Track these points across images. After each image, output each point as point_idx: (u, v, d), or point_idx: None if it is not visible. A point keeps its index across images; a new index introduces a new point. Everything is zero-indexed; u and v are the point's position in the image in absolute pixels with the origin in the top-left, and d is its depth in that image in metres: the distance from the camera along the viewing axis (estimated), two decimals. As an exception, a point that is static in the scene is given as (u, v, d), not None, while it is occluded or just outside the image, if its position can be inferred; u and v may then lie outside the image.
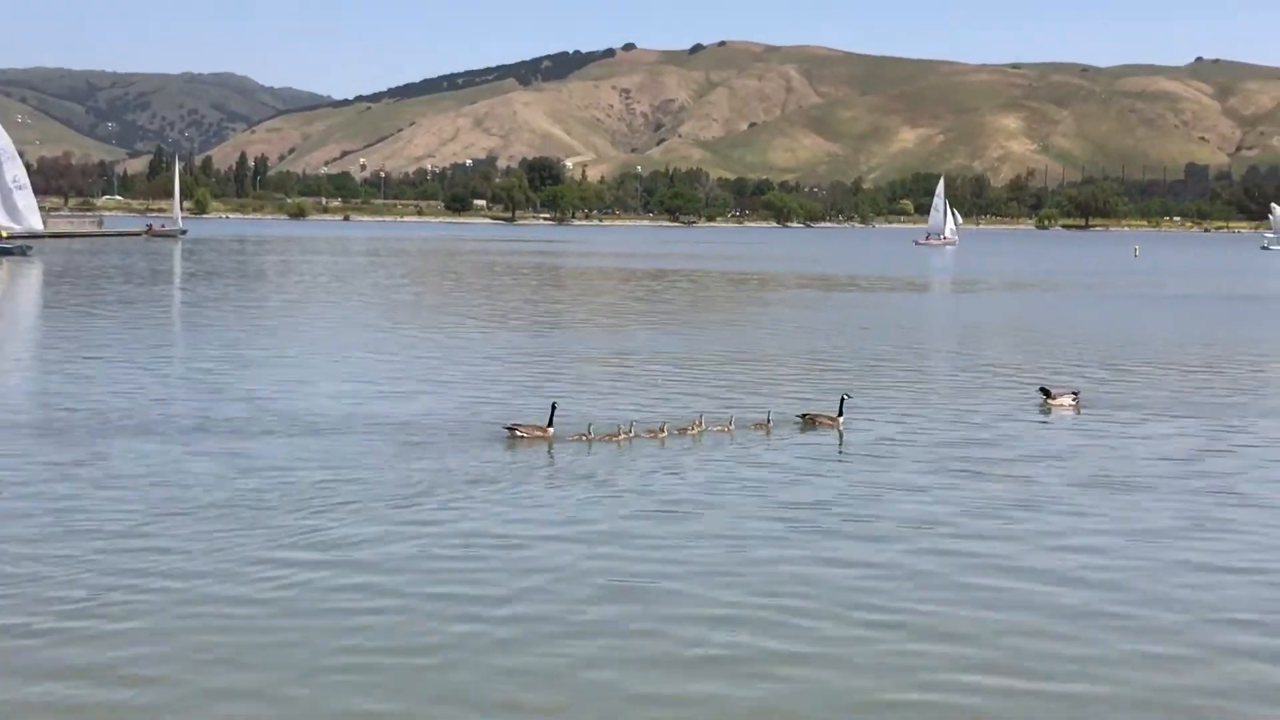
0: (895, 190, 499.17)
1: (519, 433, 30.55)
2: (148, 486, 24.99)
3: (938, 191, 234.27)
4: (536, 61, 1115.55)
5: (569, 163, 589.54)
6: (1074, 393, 37.92)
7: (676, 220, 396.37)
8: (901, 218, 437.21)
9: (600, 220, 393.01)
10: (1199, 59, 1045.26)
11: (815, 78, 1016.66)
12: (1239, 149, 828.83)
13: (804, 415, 33.56)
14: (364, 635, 17.05)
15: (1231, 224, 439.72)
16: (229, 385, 38.83)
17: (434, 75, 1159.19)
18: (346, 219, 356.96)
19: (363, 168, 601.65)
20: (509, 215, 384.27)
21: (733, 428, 32.05)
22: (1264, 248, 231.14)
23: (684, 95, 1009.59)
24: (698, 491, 25.53)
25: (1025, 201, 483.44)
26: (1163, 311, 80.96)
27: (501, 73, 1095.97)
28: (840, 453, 30.11)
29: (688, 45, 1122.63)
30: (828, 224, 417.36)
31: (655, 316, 69.47)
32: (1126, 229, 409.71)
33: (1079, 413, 36.06)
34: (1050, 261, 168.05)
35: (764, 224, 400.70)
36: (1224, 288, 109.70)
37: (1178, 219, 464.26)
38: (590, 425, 31.11)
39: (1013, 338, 61.18)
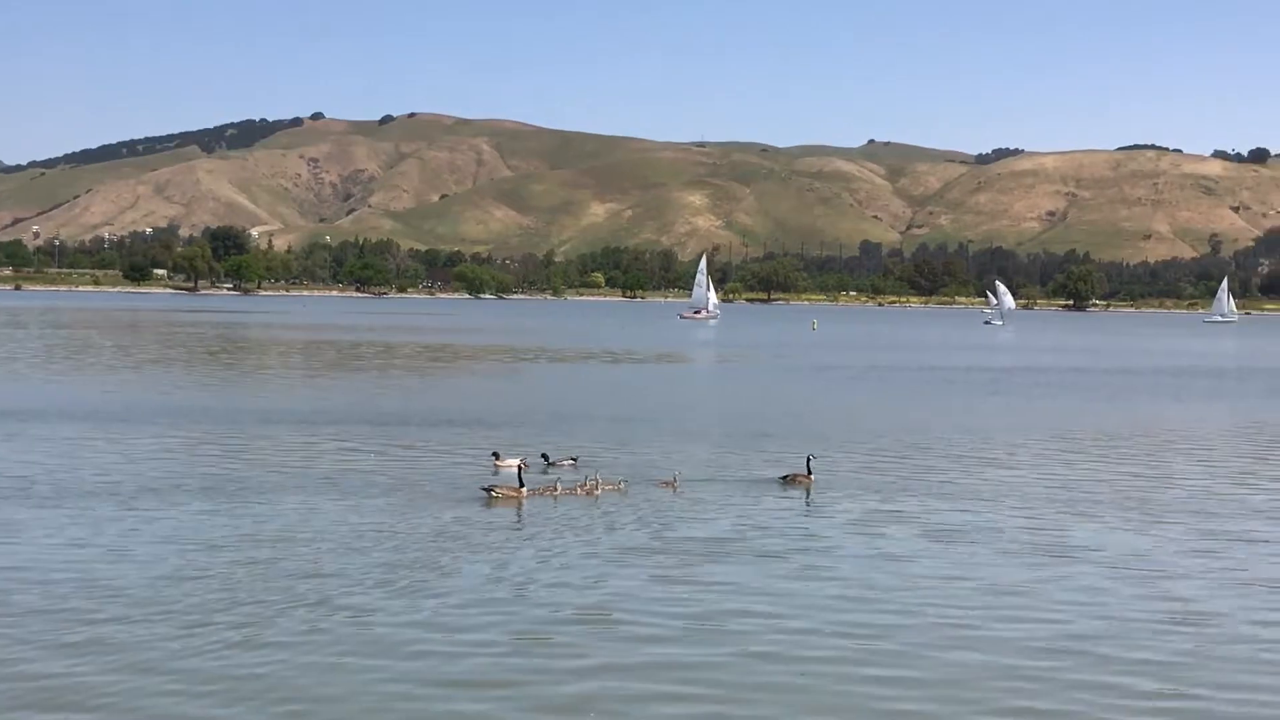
0: (586, 263, 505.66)
1: (494, 493, 31.46)
2: None
3: (700, 268, 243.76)
4: (221, 129, 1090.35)
5: (254, 232, 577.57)
6: (571, 459, 37.30)
7: (366, 291, 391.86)
8: (592, 290, 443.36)
9: (288, 290, 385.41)
10: (871, 141, 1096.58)
11: (506, 151, 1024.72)
12: (909, 227, 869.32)
13: (784, 477, 35.21)
14: None
15: (904, 298, 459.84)
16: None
17: (113, 141, 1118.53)
18: (18, 288, 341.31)
19: (36, 235, 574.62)
20: (191, 285, 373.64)
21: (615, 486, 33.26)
22: (985, 323, 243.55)
23: (374, 165, 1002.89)
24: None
25: (711, 275, 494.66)
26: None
27: (184, 139, 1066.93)
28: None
29: (377, 116, 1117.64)
30: (520, 295, 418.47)
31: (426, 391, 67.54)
32: (806, 303, 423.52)
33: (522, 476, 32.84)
34: (779, 333, 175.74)
35: (456, 295, 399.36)
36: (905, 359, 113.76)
37: (854, 293, 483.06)
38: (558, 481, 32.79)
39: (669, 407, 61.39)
